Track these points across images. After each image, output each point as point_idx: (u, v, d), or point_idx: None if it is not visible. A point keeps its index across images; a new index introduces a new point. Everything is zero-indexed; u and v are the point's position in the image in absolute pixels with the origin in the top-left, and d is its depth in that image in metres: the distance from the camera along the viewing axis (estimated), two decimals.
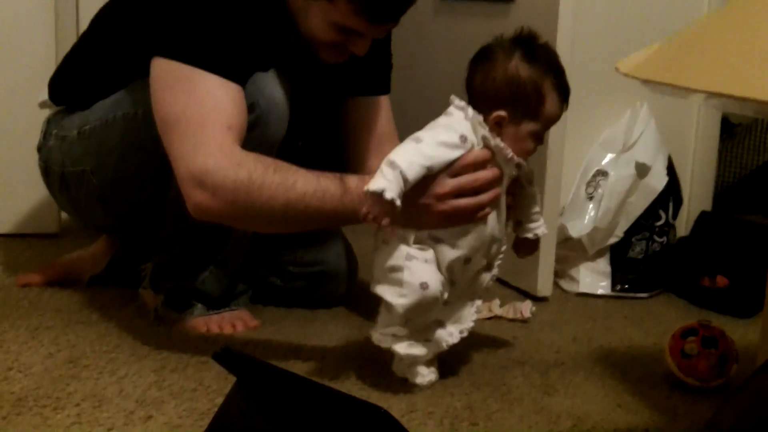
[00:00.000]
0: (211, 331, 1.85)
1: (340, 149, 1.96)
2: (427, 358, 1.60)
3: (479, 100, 1.52)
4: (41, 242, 2.48)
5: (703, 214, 2.57)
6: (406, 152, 1.46)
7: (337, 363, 1.73)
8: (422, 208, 1.49)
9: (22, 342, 1.75)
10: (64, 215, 2.55)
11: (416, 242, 1.52)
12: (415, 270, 1.51)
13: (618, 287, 2.30)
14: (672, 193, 2.36)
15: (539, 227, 1.68)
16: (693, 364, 1.66)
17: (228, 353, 1.25)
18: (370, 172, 1.84)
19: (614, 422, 1.53)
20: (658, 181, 2.32)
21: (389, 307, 1.54)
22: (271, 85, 1.69)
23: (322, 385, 1.18)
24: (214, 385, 1.57)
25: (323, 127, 1.98)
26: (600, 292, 2.29)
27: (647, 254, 2.31)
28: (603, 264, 2.30)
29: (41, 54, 2.41)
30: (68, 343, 1.76)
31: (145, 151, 1.75)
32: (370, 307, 2.07)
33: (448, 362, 1.67)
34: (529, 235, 1.68)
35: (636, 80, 1.19)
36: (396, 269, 1.52)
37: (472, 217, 1.51)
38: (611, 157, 2.34)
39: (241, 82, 1.62)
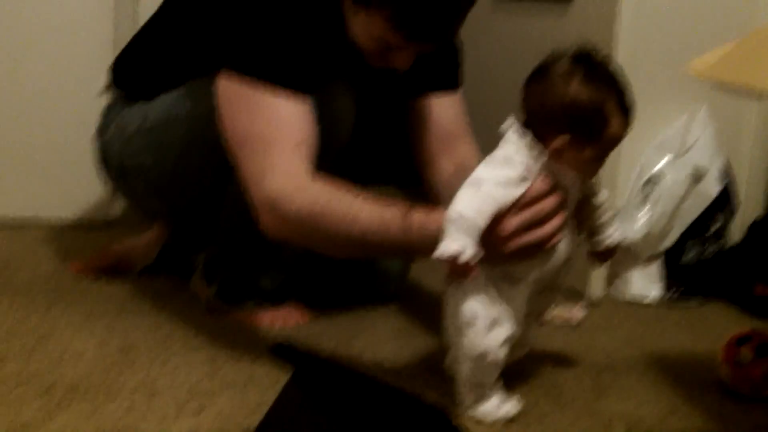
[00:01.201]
0: (262, 324, 1.85)
1: (406, 149, 1.94)
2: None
3: (537, 122, 1.43)
4: (94, 230, 2.50)
5: (757, 221, 2.53)
6: (471, 200, 1.37)
7: (389, 358, 1.73)
8: (490, 248, 1.40)
9: (75, 329, 1.76)
10: (117, 203, 2.58)
11: (493, 284, 1.45)
12: (473, 337, 1.44)
13: (670, 293, 2.27)
14: (727, 198, 2.33)
15: (612, 236, 1.58)
16: (746, 372, 1.64)
17: (284, 346, 1.26)
18: (440, 173, 1.84)
19: (667, 427, 1.51)
20: (713, 186, 2.29)
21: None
22: (336, 96, 1.68)
23: (377, 380, 1.18)
24: (266, 379, 1.57)
25: (385, 126, 1.97)
26: (651, 297, 2.27)
27: (700, 260, 2.29)
28: (655, 269, 2.28)
29: (99, 42, 2.44)
30: (120, 331, 1.77)
31: (205, 151, 1.75)
32: (421, 303, 2.08)
33: None
34: (601, 248, 1.59)
35: (696, 81, 1.18)
36: (464, 326, 1.45)
37: (542, 248, 1.45)
38: (667, 160, 2.31)
39: (309, 94, 1.59)
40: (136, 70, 1.95)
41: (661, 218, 2.24)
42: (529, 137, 1.41)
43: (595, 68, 1.42)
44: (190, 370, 1.60)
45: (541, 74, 1.43)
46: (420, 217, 1.47)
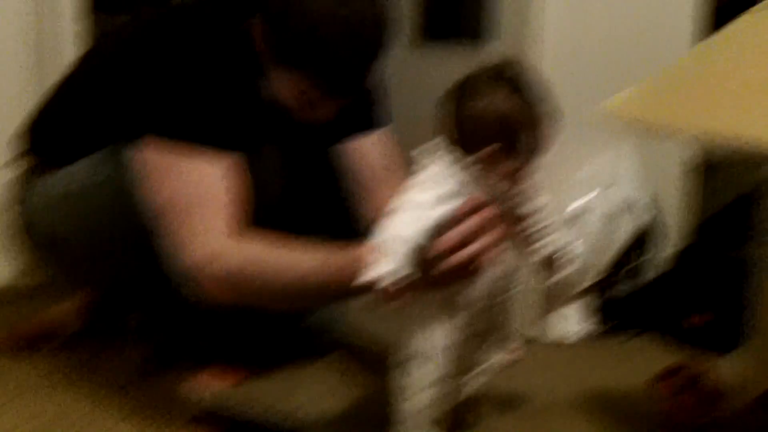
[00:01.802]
0: (197, 387, 1.83)
1: (337, 200, 1.93)
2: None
3: (462, 137, 1.44)
4: (16, 299, 2.45)
5: (685, 250, 2.57)
6: (402, 222, 1.37)
7: (327, 414, 1.71)
8: (426, 272, 1.39)
9: (5, 404, 1.73)
10: (38, 270, 2.53)
11: (434, 315, 1.45)
12: (412, 376, 1.45)
13: (602, 326, 2.29)
14: (655, 229, 2.37)
15: (555, 242, 1.54)
16: (678, 405, 1.66)
17: (214, 410, 1.24)
18: (379, 214, 1.85)
19: None
20: (641, 217, 2.32)
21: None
22: (263, 155, 1.68)
23: None
24: None
25: (314, 179, 1.97)
26: (584, 332, 2.28)
27: (631, 293, 2.31)
28: (587, 303, 2.30)
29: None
30: (50, 402, 1.73)
31: (132, 217, 1.73)
32: (359, 356, 2.07)
33: None
34: (544, 254, 1.54)
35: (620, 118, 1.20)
36: (410, 359, 1.46)
37: (479, 265, 1.42)
38: (595, 194, 2.33)
39: (234, 156, 1.58)
40: (55, 135, 1.92)
41: (590, 252, 2.26)
42: (450, 157, 1.42)
43: (516, 79, 1.44)
44: None
45: (460, 92, 1.44)
46: (355, 253, 1.46)
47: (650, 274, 2.35)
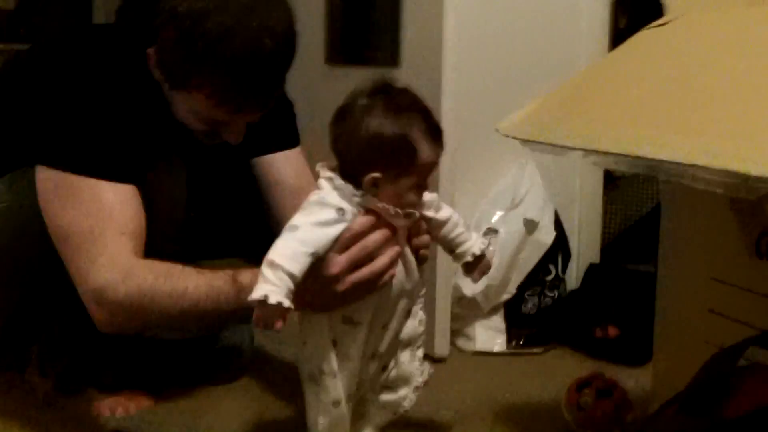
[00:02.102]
0: (103, 414, 1.80)
1: (248, 219, 1.92)
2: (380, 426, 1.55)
3: (348, 163, 1.41)
4: None
5: (591, 266, 2.61)
6: (284, 247, 1.35)
7: None
8: (320, 293, 1.41)
9: None
10: None
11: (334, 335, 1.44)
12: (327, 386, 1.45)
13: (513, 343, 2.31)
14: (560, 247, 2.40)
15: (472, 245, 1.53)
16: (590, 416, 1.68)
17: None
18: None
19: None
20: (546, 235, 2.36)
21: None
22: (164, 177, 1.67)
23: None
24: None
25: (219, 193, 1.95)
26: (496, 349, 2.30)
27: (540, 308, 2.34)
28: (498, 321, 2.32)
29: None
30: None
31: (30, 245, 1.69)
32: (269, 375, 2.06)
33: None
34: (468, 258, 1.53)
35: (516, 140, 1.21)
36: (311, 378, 1.47)
37: (376, 284, 1.43)
38: (500, 215, 2.36)
39: (132, 181, 1.57)
40: None
41: (498, 270, 2.28)
42: (337, 179, 1.40)
43: (393, 99, 1.40)
44: None
45: (342, 114, 1.42)
46: (249, 277, 1.45)
47: (558, 290, 2.38)
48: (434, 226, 1.51)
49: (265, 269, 1.33)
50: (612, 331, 2.32)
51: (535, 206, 2.36)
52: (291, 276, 1.32)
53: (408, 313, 1.51)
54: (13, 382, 1.94)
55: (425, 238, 1.50)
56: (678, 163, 0.91)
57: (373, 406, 1.53)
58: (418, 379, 1.55)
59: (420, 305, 1.53)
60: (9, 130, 1.72)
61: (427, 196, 1.48)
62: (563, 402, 1.73)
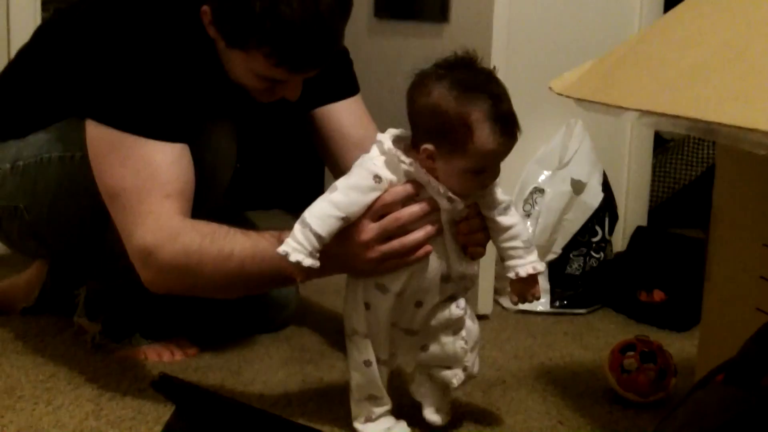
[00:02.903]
0: (149, 359, 1.82)
1: (291, 172, 1.91)
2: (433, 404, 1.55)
3: (412, 129, 1.39)
4: None
5: (638, 230, 2.60)
6: (318, 207, 1.37)
7: (279, 387, 1.72)
8: (352, 258, 1.42)
9: None
10: None
11: (366, 297, 1.45)
12: (353, 351, 1.48)
13: (557, 303, 2.31)
14: (608, 209, 2.38)
15: (521, 266, 1.45)
16: (632, 379, 1.68)
17: (166, 380, 1.24)
18: None
19: None
20: (593, 197, 2.34)
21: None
22: (215, 136, 1.67)
23: (262, 411, 1.17)
24: (153, 413, 1.55)
25: (266, 145, 1.95)
26: (539, 308, 2.30)
27: (585, 270, 2.33)
28: (541, 281, 2.28)
29: None
30: (2, 372, 1.72)
31: (81, 195, 1.71)
32: (311, 330, 2.07)
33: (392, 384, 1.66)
34: (511, 275, 1.46)
35: (569, 99, 1.20)
36: (348, 338, 1.49)
37: (407, 258, 1.42)
38: (547, 175, 2.35)
39: (182, 140, 1.57)
40: (6, 108, 1.89)
41: (544, 231, 2.28)
42: (388, 143, 1.39)
43: (468, 75, 1.36)
44: (75, 409, 1.57)
45: (417, 80, 1.39)
46: (280, 237, 1.44)
47: (604, 252, 2.37)
48: (492, 229, 1.46)
49: (296, 226, 1.36)
50: (657, 296, 2.31)
51: (583, 167, 2.35)
52: (318, 237, 1.34)
53: (451, 300, 1.48)
54: (62, 326, 1.98)
55: (479, 236, 1.46)
56: (738, 127, 0.89)
57: (424, 386, 1.53)
58: (466, 358, 1.51)
59: (464, 296, 1.50)
60: (61, 81, 1.73)
61: (500, 195, 1.44)
62: (606, 364, 1.72)
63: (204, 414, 1.18)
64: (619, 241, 2.58)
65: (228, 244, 1.48)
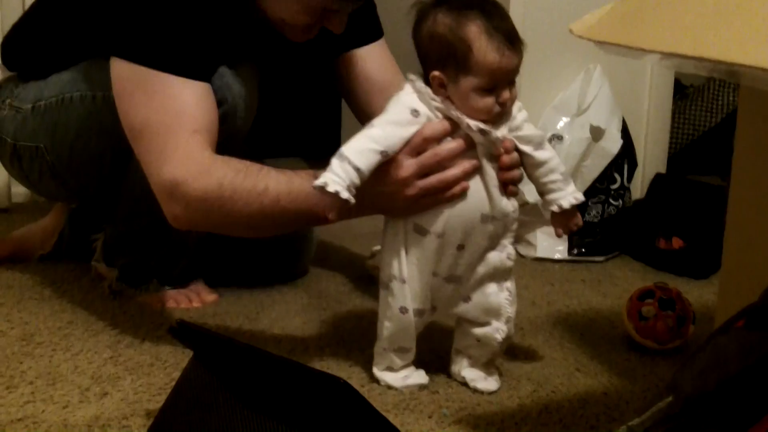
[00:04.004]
0: (167, 306, 1.83)
1: (310, 120, 1.90)
2: (481, 361, 1.52)
3: (423, 66, 1.40)
4: None
5: (657, 177, 2.58)
6: (356, 141, 1.35)
7: (296, 333, 1.72)
8: (390, 196, 1.40)
9: None
10: (14, 190, 2.52)
11: (405, 242, 1.42)
12: (396, 292, 1.44)
13: (575, 251, 2.30)
14: (627, 155, 2.37)
15: (563, 197, 1.44)
16: (650, 326, 1.67)
17: (184, 327, 1.24)
18: None
19: (574, 386, 1.53)
20: (612, 144, 2.32)
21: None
22: (238, 79, 1.64)
23: (279, 357, 1.17)
24: (171, 359, 1.55)
25: (286, 93, 1.93)
26: (557, 256, 2.29)
27: (603, 217, 2.32)
28: None
29: None
30: (21, 320, 1.73)
31: (102, 135, 1.71)
32: (329, 274, 2.07)
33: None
34: (553, 208, 1.45)
35: (590, 42, 1.18)
36: (384, 285, 1.46)
37: (445, 195, 1.40)
38: (566, 121, 2.33)
39: (207, 79, 1.56)
40: (28, 49, 1.88)
41: None
42: (419, 81, 1.39)
43: (458, 0, 1.37)
44: (93, 356, 1.57)
45: (417, 15, 1.40)
46: (317, 174, 1.42)
47: (623, 199, 2.36)
48: (529, 165, 1.44)
49: (333, 160, 1.33)
50: (676, 243, 2.30)
51: (602, 113, 2.33)
52: (357, 170, 1.32)
53: (494, 243, 1.45)
54: (79, 273, 1.99)
55: (516, 173, 1.43)
56: (762, 69, 0.88)
57: (466, 339, 1.52)
58: (509, 311, 1.49)
59: (509, 239, 1.47)
60: (84, 20, 1.72)
61: (533, 130, 1.43)
62: (624, 311, 1.71)
63: (221, 360, 1.18)
64: (638, 188, 2.56)
65: (262, 179, 1.46)
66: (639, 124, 2.55)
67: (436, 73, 1.36)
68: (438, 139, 1.39)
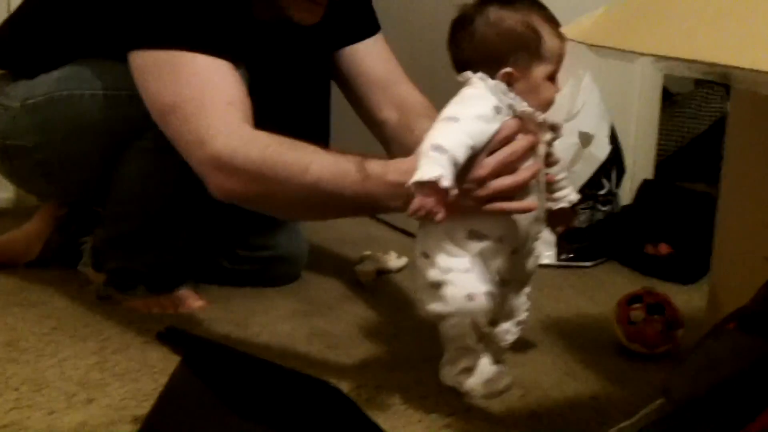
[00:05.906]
0: (155, 311, 1.81)
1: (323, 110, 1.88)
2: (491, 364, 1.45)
3: (479, 66, 1.35)
4: None
5: (645, 183, 2.58)
6: (450, 133, 1.27)
7: (285, 339, 1.71)
8: (461, 194, 1.30)
9: None
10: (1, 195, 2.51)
11: (456, 245, 1.35)
12: (457, 282, 1.34)
13: (563, 256, 2.30)
14: (615, 161, 2.37)
15: (571, 193, 1.47)
16: (639, 331, 1.67)
17: (172, 332, 1.24)
18: (385, 122, 1.80)
19: (563, 391, 1.53)
20: (601, 150, 2.33)
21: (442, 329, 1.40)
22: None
23: (269, 362, 1.16)
24: (159, 365, 1.54)
25: (301, 89, 1.93)
26: (546, 261, 2.29)
27: (591, 223, 2.32)
28: (548, 233, 2.28)
29: None
30: (6, 325, 1.71)
31: (91, 134, 1.69)
32: (319, 280, 2.07)
33: (399, 336, 1.66)
34: (564, 205, 1.47)
35: (580, 49, 1.18)
36: (436, 285, 1.35)
37: (512, 206, 1.35)
38: None
39: (227, 57, 1.52)
40: (18, 47, 1.87)
41: None
42: (489, 80, 1.34)
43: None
44: (79, 362, 1.56)
45: (461, 23, 1.38)
46: (378, 166, 1.39)
47: (611, 205, 2.36)
48: (548, 162, 1.43)
49: (432, 153, 1.25)
50: (664, 249, 2.30)
51: (590, 119, 2.33)
52: (456, 165, 1.25)
53: (534, 241, 1.43)
54: (66, 278, 1.97)
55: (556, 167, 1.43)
56: (755, 71, 0.88)
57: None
58: (522, 314, 1.49)
59: (537, 241, 1.45)
60: (77, 17, 1.71)
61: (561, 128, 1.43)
62: (613, 316, 1.71)
63: (210, 365, 1.18)
64: (626, 194, 2.56)
65: (307, 155, 1.41)
66: (627, 131, 2.56)
67: (508, 69, 1.34)
68: (512, 138, 1.35)
